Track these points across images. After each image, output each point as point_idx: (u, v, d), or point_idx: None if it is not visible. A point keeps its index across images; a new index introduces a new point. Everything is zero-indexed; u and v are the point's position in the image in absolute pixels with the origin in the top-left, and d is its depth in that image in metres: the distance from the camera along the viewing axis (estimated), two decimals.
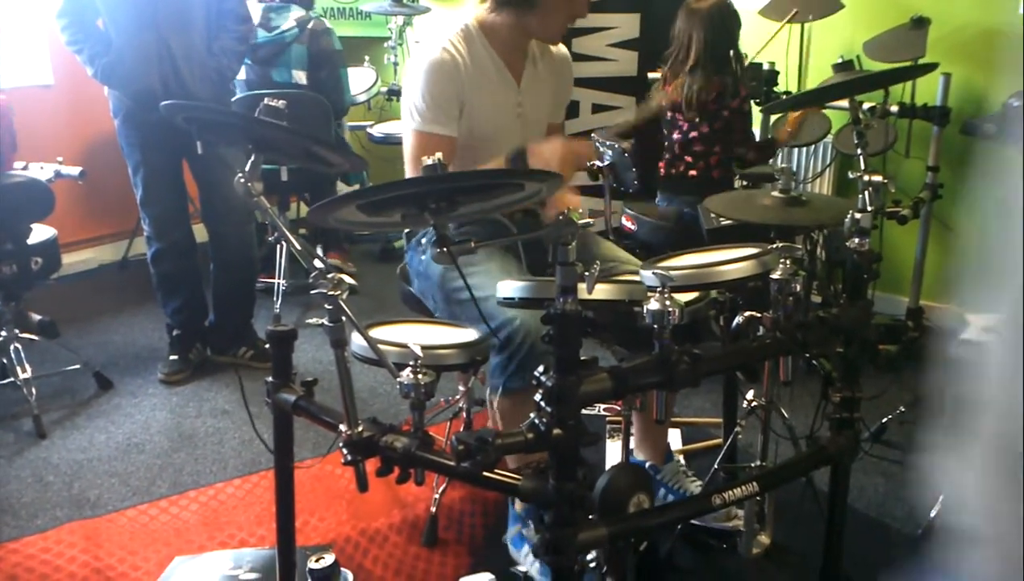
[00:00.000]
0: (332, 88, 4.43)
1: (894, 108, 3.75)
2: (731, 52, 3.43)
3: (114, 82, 3.46)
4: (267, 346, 2.08)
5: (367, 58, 5.47)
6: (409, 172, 2.50)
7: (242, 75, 4.26)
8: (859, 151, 2.12)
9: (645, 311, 1.67)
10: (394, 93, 5.38)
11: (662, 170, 3.60)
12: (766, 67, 4.18)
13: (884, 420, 3.14)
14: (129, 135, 3.56)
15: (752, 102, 3.85)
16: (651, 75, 4.17)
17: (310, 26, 4.35)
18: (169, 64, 3.42)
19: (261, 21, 4.27)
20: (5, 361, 3.44)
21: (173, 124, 2.02)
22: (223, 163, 3.37)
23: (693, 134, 3.47)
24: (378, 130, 5.21)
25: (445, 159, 2.41)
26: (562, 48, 2.73)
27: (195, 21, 3.47)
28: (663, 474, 2.69)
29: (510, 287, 2.00)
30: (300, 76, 4.33)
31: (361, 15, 5.72)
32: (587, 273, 1.59)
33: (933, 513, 2.65)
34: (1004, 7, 3.87)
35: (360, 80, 5.27)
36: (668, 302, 1.66)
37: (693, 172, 3.49)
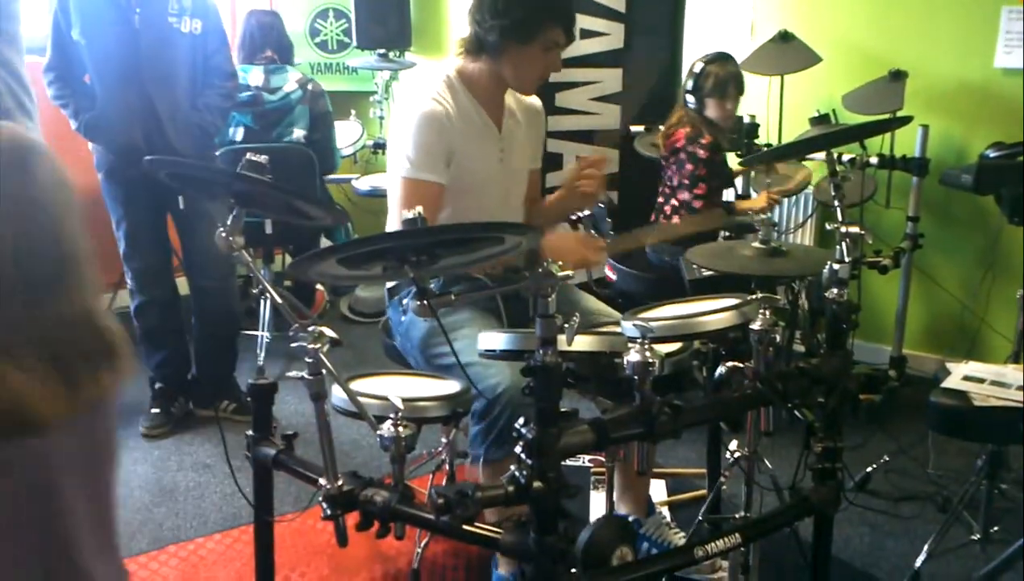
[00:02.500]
0: (325, 148, 4.47)
1: (874, 159, 3.81)
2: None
3: (98, 137, 3.48)
4: (248, 400, 2.07)
5: (353, 112, 5.52)
6: (396, 222, 2.51)
7: (240, 135, 4.30)
8: (836, 203, 2.14)
9: (625, 362, 1.67)
10: (380, 146, 5.41)
11: (653, 220, 3.66)
12: (746, 120, 4.23)
13: (868, 469, 3.13)
14: (112, 190, 3.57)
15: (734, 154, 3.91)
16: (633, 128, 4.22)
17: (310, 87, 4.40)
18: (153, 120, 3.43)
19: (263, 84, 4.31)
20: None
21: (156, 179, 2.04)
22: (206, 217, 3.38)
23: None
24: (364, 183, 5.23)
25: (433, 206, 2.44)
26: (535, 99, 2.78)
27: (180, 77, 3.49)
28: (645, 527, 2.67)
29: (491, 339, 2.01)
30: (299, 134, 4.37)
31: (348, 70, 5.78)
32: (567, 325, 1.59)
33: (919, 563, 2.64)
34: (979, 60, 3.95)
35: (346, 134, 5.31)
36: (648, 353, 1.66)
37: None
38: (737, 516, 2.39)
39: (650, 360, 1.66)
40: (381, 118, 5.58)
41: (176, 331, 3.82)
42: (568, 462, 1.60)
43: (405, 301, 2.59)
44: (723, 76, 3.52)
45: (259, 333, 4.21)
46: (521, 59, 2.50)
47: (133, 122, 3.42)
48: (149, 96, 3.42)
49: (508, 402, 2.18)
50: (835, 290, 1.99)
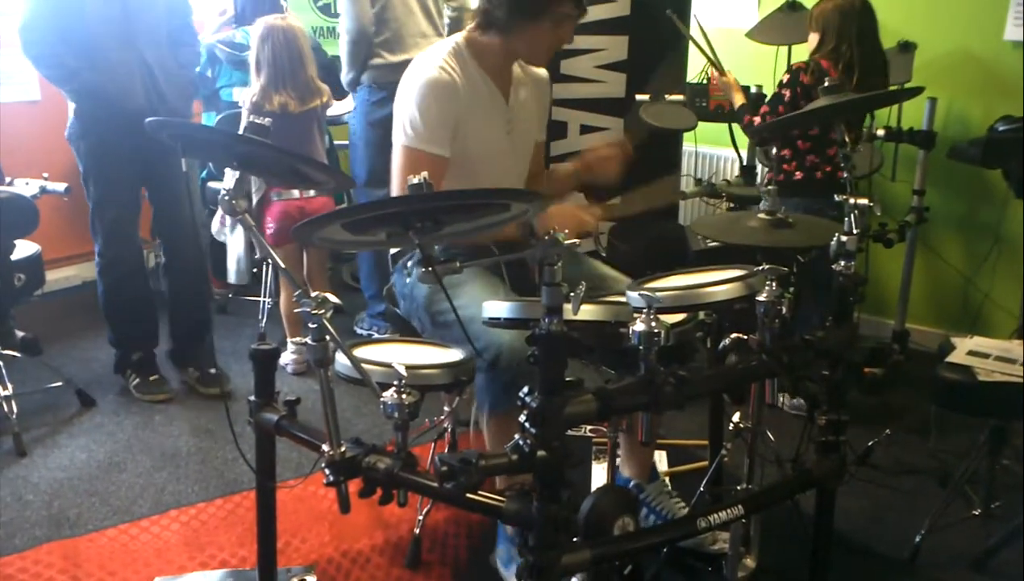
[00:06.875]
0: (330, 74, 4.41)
1: (880, 132, 3.77)
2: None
3: (100, 100, 3.40)
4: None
5: None
6: (396, 188, 2.49)
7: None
8: (845, 174, 2.12)
9: (631, 332, 1.66)
10: None
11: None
12: (754, 90, 4.20)
13: (870, 443, 3.13)
14: (92, 146, 3.50)
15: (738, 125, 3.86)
16: (639, 97, 4.18)
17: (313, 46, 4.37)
18: (150, 79, 3.40)
19: None
20: None
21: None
22: (179, 176, 3.35)
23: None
24: None
25: (435, 179, 2.42)
26: (541, 69, 2.75)
27: (161, 35, 3.46)
28: (647, 493, 2.67)
29: (496, 308, 2.00)
30: None
31: None
32: (572, 294, 1.58)
33: (919, 537, 2.64)
34: (988, 34, 3.91)
35: (349, 99, 5.27)
36: (654, 323, 1.65)
37: (799, 174, 3.44)
38: (739, 488, 2.40)
39: (656, 330, 1.64)
40: None
41: (144, 299, 3.76)
42: (569, 432, 1.59)
43: (409, 264, 2.57)
44: None
45: (261, 299, 4.20)
46: (533, 35, 2.47)
47: (134, 83, 3.38)
48: (143, 55, 3.38)
49: (514, 353, 2.18)
50: (842, 262, 1.97)
